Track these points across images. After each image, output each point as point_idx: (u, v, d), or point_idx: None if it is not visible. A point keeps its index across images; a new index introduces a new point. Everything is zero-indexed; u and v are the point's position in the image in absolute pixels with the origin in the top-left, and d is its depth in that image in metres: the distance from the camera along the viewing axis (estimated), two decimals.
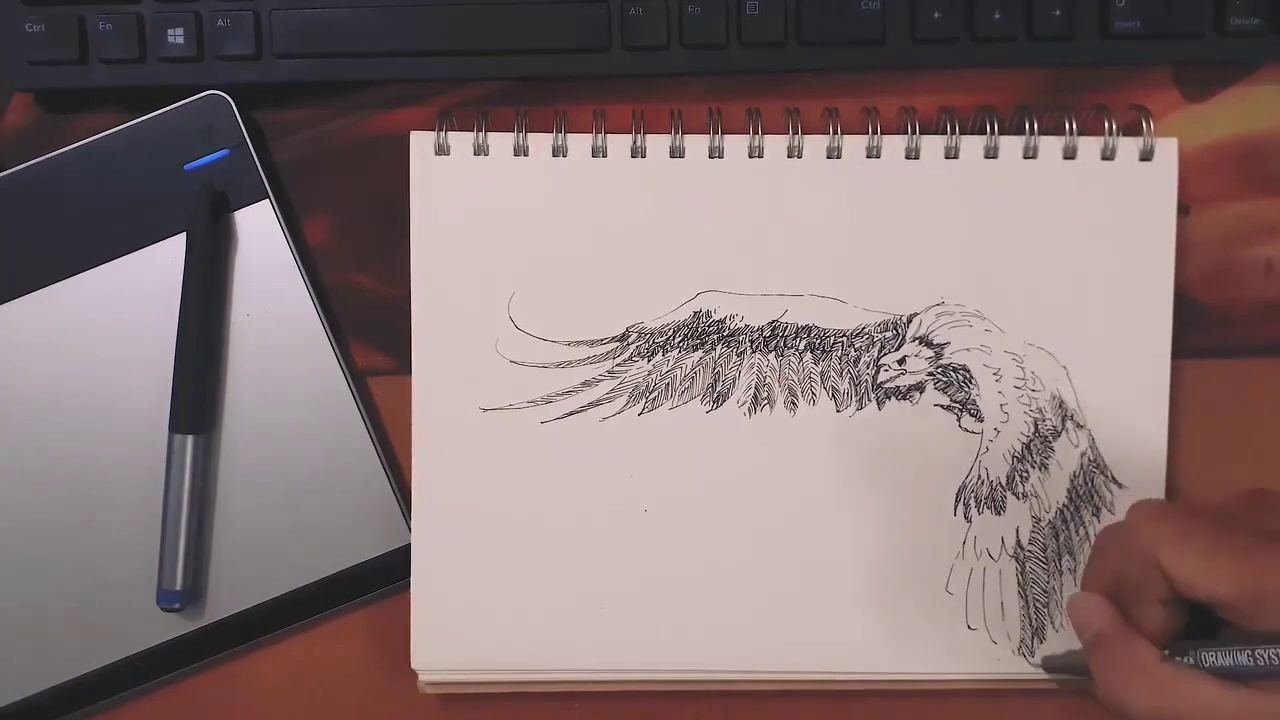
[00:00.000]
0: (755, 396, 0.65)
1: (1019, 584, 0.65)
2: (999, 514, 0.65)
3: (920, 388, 0.65)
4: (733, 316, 0.65)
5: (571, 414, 0.65)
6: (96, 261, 0.65)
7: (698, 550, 0.65)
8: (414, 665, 0.65)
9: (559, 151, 0.65)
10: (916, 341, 0.65)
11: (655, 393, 0.65)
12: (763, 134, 0.64)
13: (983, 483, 0.65)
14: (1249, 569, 0.51)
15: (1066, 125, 0.64)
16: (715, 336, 0.65)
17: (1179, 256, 0.65)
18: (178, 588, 0.64)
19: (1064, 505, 0.65)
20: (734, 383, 0.65)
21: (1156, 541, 0.54)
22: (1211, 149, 0.67)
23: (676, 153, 0.64)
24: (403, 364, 0.66)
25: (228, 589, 0.66)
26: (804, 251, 0.64)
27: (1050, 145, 0.64)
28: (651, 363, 0.65)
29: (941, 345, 0.65)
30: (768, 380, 0.65)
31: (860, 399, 0.65)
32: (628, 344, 0.65)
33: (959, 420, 0.65)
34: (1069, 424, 0.65)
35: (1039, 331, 0.65)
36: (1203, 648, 0.53)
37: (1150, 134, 0.64)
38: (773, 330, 0.65)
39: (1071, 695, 0.66)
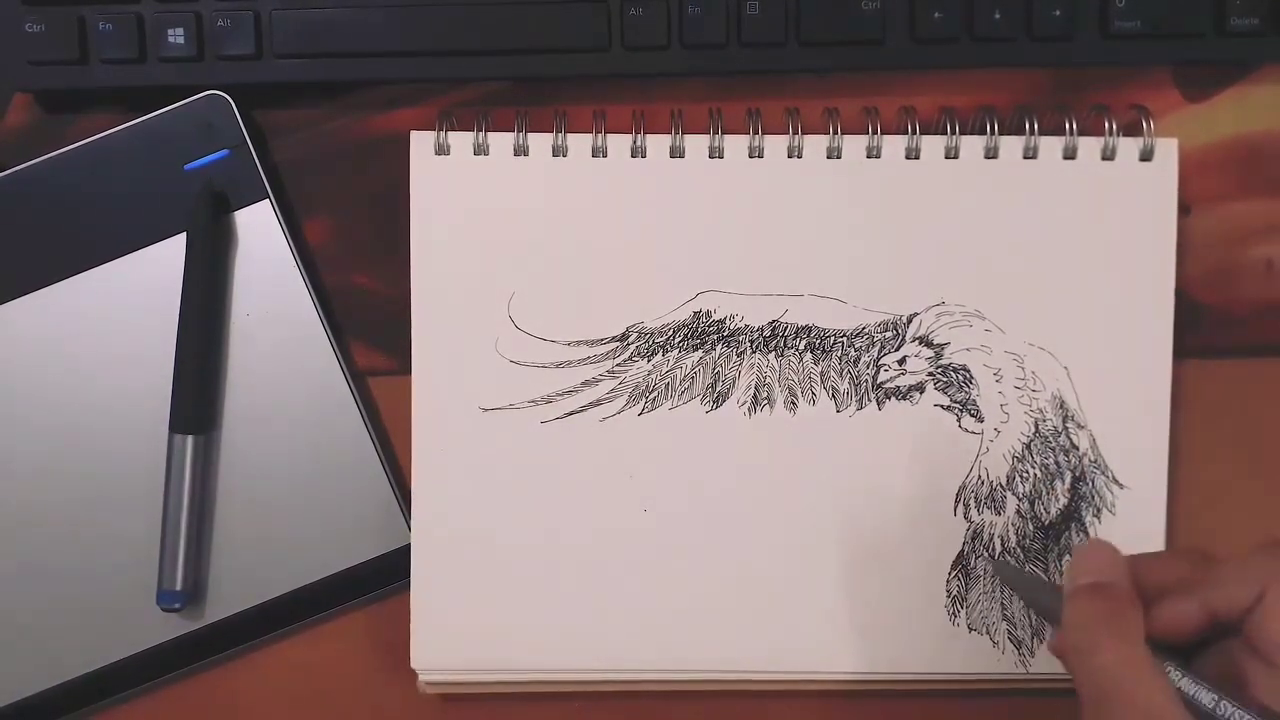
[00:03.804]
0: (755, 396, 0.65)
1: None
2: (999, 514, 0.65)
3: (920, 388, 0.65)
4: (733, 316, 0.65)
5: (571, 414, 0.65)
6: (96, 261, 0.65)
7: (698, 550, 0.65)
8: (414, 665, 0.65)
9: (559, 151, 0.65)
10: (917, 341, 0.65)
11: (655, 393, 0.65)
12: (763, 134, 0.64)
13: (983, 483, 0.65)
14: None
15: (1066, 125, 0.64)
16: (715, 336, 0.65)
17: (1179, 256, 0.65)
18: (178, 588, 0.64)
19: (1065, 506, 0.65)
20: (734, 383, 0.65)
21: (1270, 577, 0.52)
22: (1211, 149, 0.67)
23: (676, 153, 0.64)
24: (403, 364, 0.66)
25: (228, 589, 0.66)
26: (804, 251, 0.64)
27: (1050, 145, 0.64)
28: (651, 363, 0.65)
29: (942, 345, 0.65)
30: (768, 380, 0.65)
31: (860, 399, 0.65)
32: (628, 344, 0.65)
33: (959, 420, 0.65)
34: (1070, 424, 0.65)
35: (1039, 331, 0.65)
36: (1172, 665, 0.52)
37: (1150, 134, 0.64)
38: (773, 330, 0.65)
39: (1071, 696, 0.66)
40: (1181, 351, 0.65)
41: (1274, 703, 0.50)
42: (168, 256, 0.65)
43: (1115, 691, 0.51)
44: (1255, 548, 0.53)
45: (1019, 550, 0.65)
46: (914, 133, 0.64)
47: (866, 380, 0.65)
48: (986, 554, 0.65)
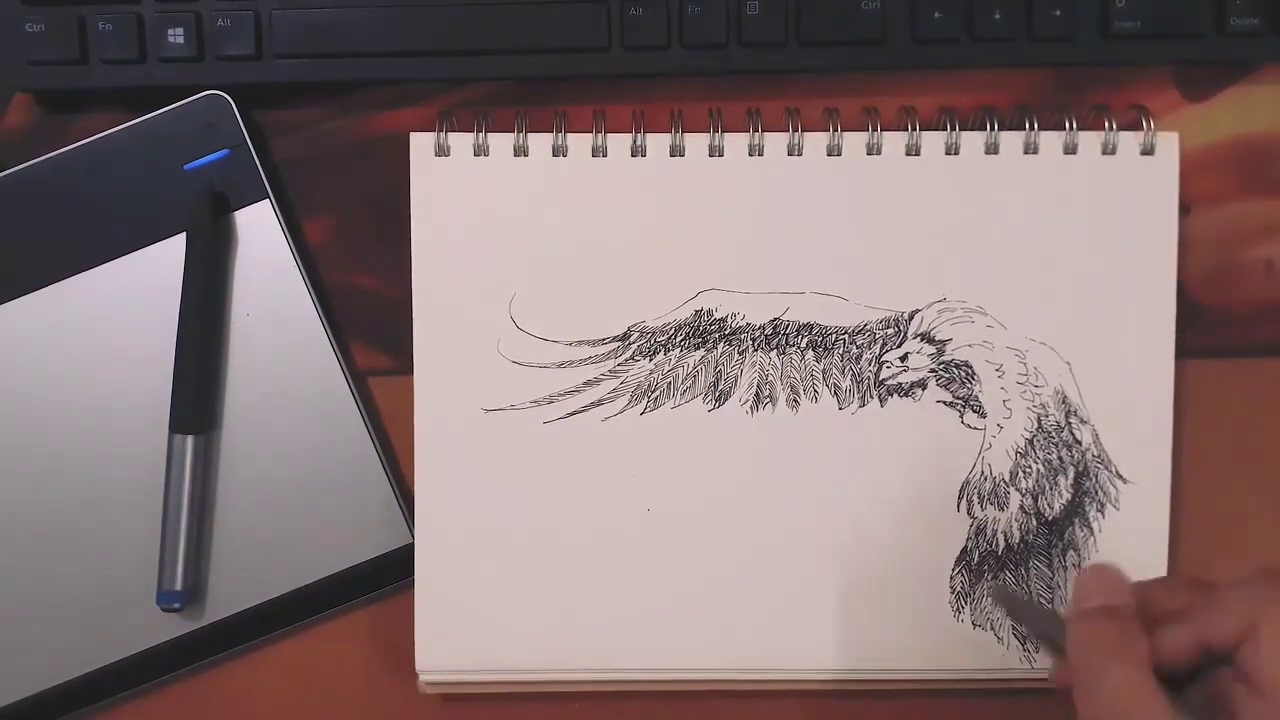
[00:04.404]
0: (757, 395, 0.65)
1: (1023, 581, 0.65)
2: (1002, 510, 0.65)
3: (922, 384, 0.65)
4: (734, 315, 0.65)
5: (573, 414, 0.65)
6: (96, 261, 0.65)
7: (700, 549, 0.65)
8: (418, 667, 0.64)
9: (559, 151, 0.65)
10: (918, 338, 0.65)
11: (657, 392, 0.65)
12: (763, 132, 0.64)
13: (986, 479, 0.65)
14: None
15: (1066, 124, 0.64)
16: (717, 335, 0.65)
17: (1179, 256, 0.65)
18: (178, 588, 0.64)
19: (1068, 501, 0.65)
20: (736, 381, 0.65)
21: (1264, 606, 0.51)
22: (1211, 149, 0.67)
23: (677, 152, 0.64)
24: (403, 364, 0.65)
25: (228, 589, 0.66)
26: (805, 249, 0.64)
27: (1051, 141, 0.64)
28: (653, 362, 0.65)
29: (943, 341, 0.65)
30: (770, 378, 0.65)
31: (862, 396, 0.65)
32: (629, 343, 0.65)
33: (961, 417, 0.65)
34: (1072, 419, 0.65)
35: (1041, 327, 0.65)
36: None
37: (1151, 130, 0.64)
38: (774, 328, 0.65)
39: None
40: (1181, 351, 0.65)
41: None
42: (168, 256, 0.65)
43: (1123, 715, 0.51)
44: (1246, 577, 0.53)
45: (1023, 547, 0.65)
46: (914, 130, 0.64)
47: (869, 377, 0.65)
48: (988, 580, 0.65)
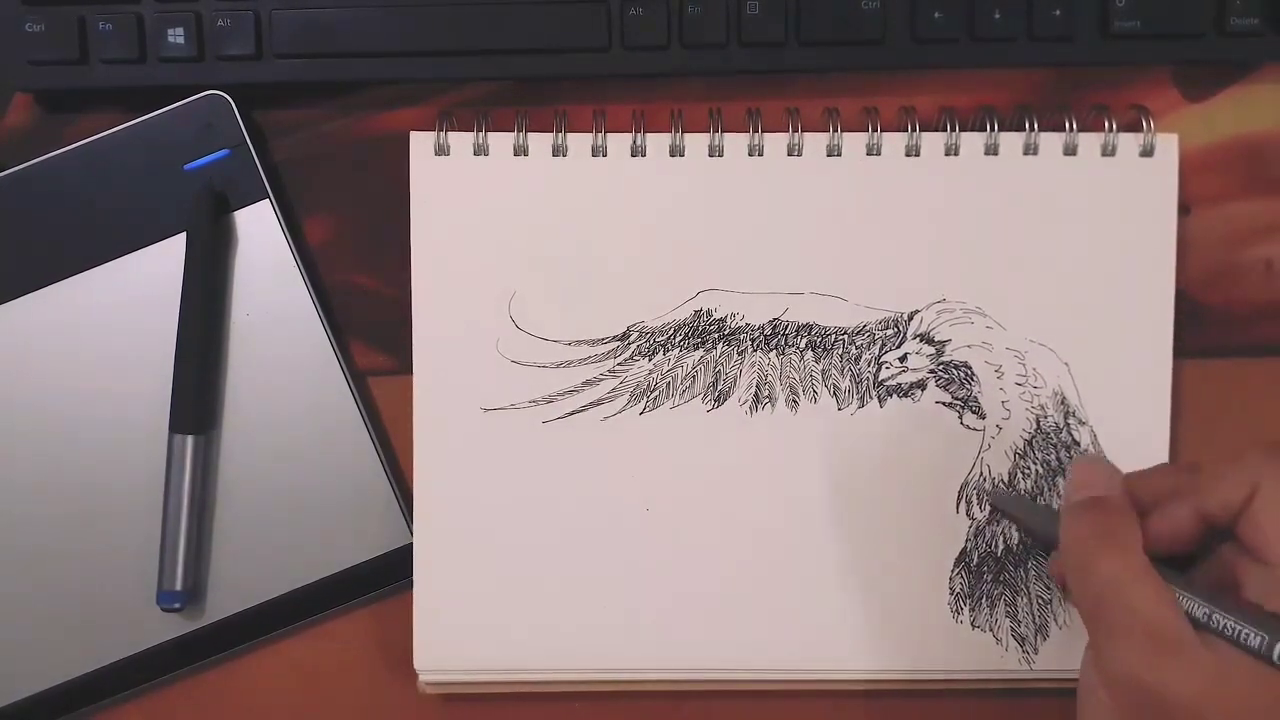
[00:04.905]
0: (756, 395, 0.65)
1: (1022, 582, 0.65)
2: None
3: (922, 385, 0.65)
4: (733, 315, 0.65)
5: (573, 413, 0.65)
6: (96, 261, 0.65)
7: (699, 549, 0.65)
8: (416, 666, 0.64)
9: (559, 151, 0.65)
10: (918, 339, 0.65)
11: (656, 392, 0.65)
12: (763, 132, 0.64)
13: (985, 480, 0.65)
14: None
15: (1066, 124, 0.64)
16: (716, 335, 0.65)
17: (1179, 256, 0.65)
18: (178, 588, 0.64)
19: None
20: (735, 381, 0.65)
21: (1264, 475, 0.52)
22: (1211, 149, 0.67)
23: (676, 151, 0.64)
24: (403, 364, 0.66)
25: (228, 589, 0.66)
26: (804, 249, 0.64)
27: (1051, 142, 0.64)
28: (652, 362, 0.65)
29: (943, 342, 0.65)
30: (769, 379, 0.65)
31: (862, 397, 0.65)
32: (629, 343, 0.65)
33: (961, 417, 0.65)
34: (1071, 420, 0.65)
35: (1040, 328, 0.65)
36: (1169, 577, 0.52)
37: (1150, 130, 0.64)
38: (773, 328, 0.65)
39: (1076, 695, 0.66)
40: (1181, 351, 0.65)
41: (1268, 601, 0.50)
42: (168, 256, 0.65)
43: (1115, 600, 0.51)
44: (1243, 451, 0.53)
45: (1021, 547, 0.65)
46: (914, 130, 0.64)
47: (868, 378, 0.65)
48: (987, 489, 0.65)
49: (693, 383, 0.65)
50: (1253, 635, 0.49)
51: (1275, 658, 0.48)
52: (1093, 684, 0.53)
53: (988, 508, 0.65)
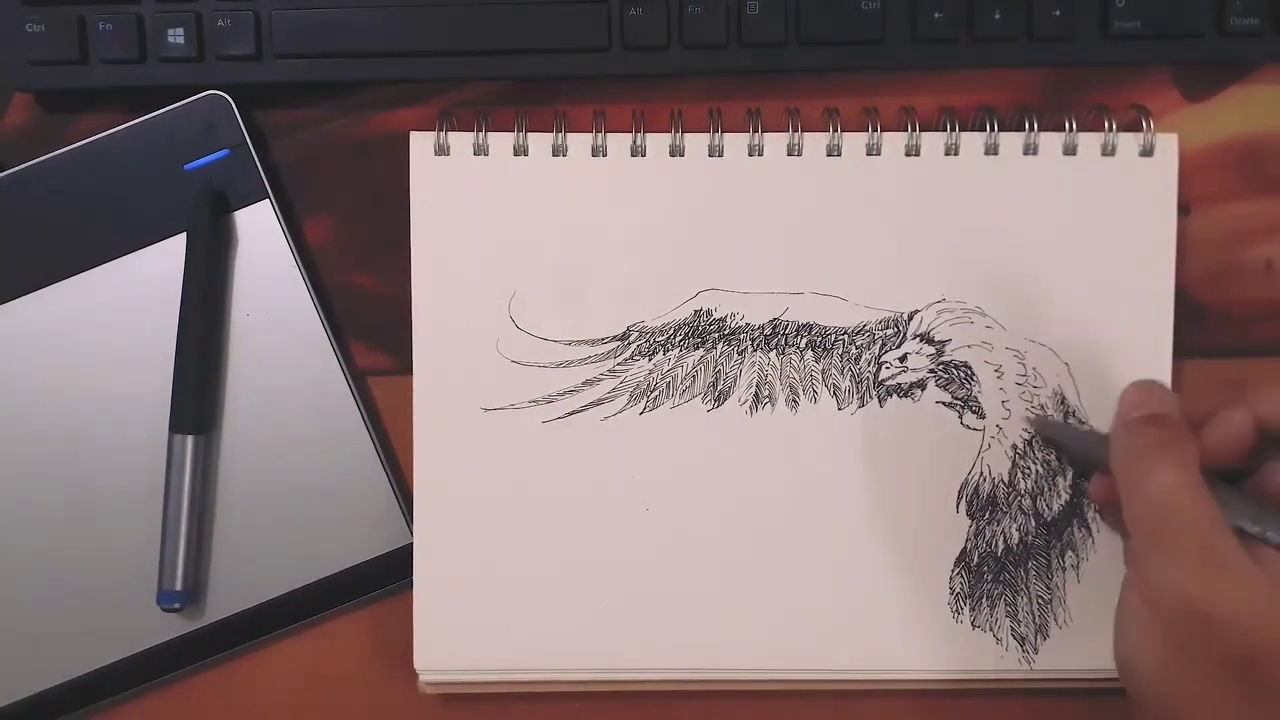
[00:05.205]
0: (756, 395, 0.65)
1: (1022, 581, 0.65)
2: (1001, 511, 0.65)
3: (922, 385, 0.65)
4: (733, 315, 0.65)
5: (573, 413, 0.65)
6: (96, 261, 0.65)
7: (699, 549, 0.65)
8: (416, 666, 0.64)
9: (559, 151, 0.65)
10: (918, 339, 0.65)
11: (656, 392, 0.65)
12: (763, 132, 0.64)
13: (985, 480, 0.65)
14: None
15: (1066, 124, 0.64)
16: (716, 335, 0.65)
17: (1179, 256, 0.65)
18: (178, 588, 0.64)
19: (1067, 502, 0.65)
20: (735, 381, 0.65)
21: None
22: (1211, 149, 0.67)
23: (676, 151, 0.64)
24: (403, 364, 0.65)
25: (228, 589, 0.66)
26: (804, 249, 0.64)
27: (1051, 141, 0.64)
28: (652, 362, 0.65)
29: (943, 342, 0.65)
30: (769, 379, 0.65)
31: (862, 397, 0.65)
32: (629, 343, 0.65)
33: (961, 417, 0.65)
34: (1071, 420, 0.65)
35: (1040, 328, 0.65)
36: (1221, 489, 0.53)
37: (1150, 130, 0.64)
38: (773, 328, 0.65)
39: (1076, 695, 0.66)
40: (1181, 351, 0.65)
41: None
42: (168, 256, 0.65)
43: (1174, 513, 0.51)
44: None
45: (1022, 547, 0.65)
46: (914, 130, 0.64)
47: (868, 378, 0.65)
48: (1026, 420, 0.65)
49: (693, 383, 0.65)
50: None
51: None
52: (1134, 605, 0.54)
53: (987, 506, 0.65)
